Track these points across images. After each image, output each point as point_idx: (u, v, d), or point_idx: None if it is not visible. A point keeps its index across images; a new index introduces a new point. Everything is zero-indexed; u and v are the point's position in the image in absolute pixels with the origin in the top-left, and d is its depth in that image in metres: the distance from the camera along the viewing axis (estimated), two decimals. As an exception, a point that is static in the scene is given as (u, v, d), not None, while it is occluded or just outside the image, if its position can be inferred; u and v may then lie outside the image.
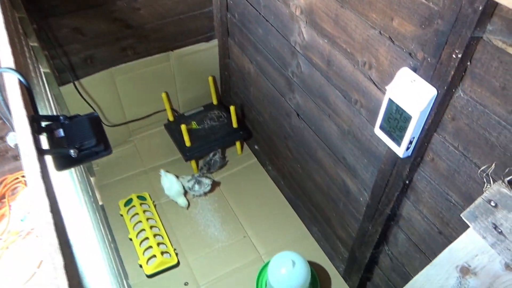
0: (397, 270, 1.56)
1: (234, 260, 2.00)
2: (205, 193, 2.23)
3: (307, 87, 1.67)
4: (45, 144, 0.85)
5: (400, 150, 1.15)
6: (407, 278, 1.51)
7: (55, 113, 1.80)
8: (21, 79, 0.82)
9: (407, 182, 1.27)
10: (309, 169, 1.92)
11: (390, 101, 1.11)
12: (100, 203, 2.21)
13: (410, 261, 1.46)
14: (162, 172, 2.23)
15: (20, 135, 0.67)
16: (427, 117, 1.06)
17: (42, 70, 1.75)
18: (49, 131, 0.85)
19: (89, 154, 0.85)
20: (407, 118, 1.08)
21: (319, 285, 1.88)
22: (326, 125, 1.64)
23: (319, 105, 1.63)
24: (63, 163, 0.83)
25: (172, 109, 2.45)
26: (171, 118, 2.42)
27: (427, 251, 1.35)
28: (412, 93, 1.04)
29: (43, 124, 0.87)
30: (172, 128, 2.38)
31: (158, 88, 2.32)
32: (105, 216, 2.13)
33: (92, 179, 2.31)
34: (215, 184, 2.29)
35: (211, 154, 2.30)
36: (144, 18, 2.03)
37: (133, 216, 2.10)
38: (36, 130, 0.76)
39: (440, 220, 1.23)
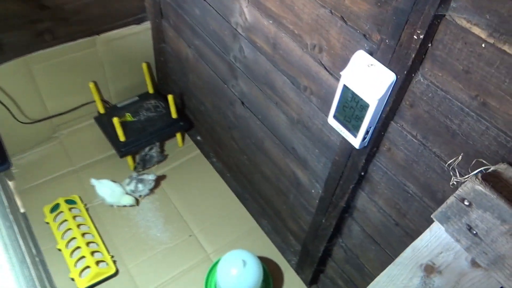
0: (351, 262, 1.51)
1: (180, 262, 1.85)
2: (151, 190, 2.03)
3: (251, 73, 1.53)
4: None
5: (357, 141, 1.06)
6: (361, 269, 1.47)
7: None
8: None
9: (362, 173, 1.19)
10: (257, 160, 1.81)
11: (345, 88, 1.01)
12: (22, 210, 1.94)
13: (364, 252, 1.41)
14: (94, 181, 1.95)
15: None
16: (385, 104, 0.97)
17: None
18: None
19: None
20: (364, 107, 0.98)
21: (271, 280, 1.79)
22: (273, 114, 1.52)
23: (266, 93, 1.50)
24: None
25: (103, 100, 2.20)
26: (101, 111, 2.18)
27: (383, 243, 1.29)
28: (369, 78, 0.95)
29: None
30: (104, 122, 2.14)
31: (85, 77, 2.06)
32: (28, 225, 1.87)
33: (10, 183, 2.02)
34: (156, 182, 2.11)
35: (146, 149, 2.10)
36: (62, -3, 1.76)
37: (61, 223, 1.86)
38: None
39: (396, 212, 1.17)
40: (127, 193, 1.97)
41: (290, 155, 1.54)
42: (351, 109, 1.02)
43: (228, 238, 1.95)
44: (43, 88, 1.96)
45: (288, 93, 1.38)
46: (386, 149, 1.09)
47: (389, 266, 0.96)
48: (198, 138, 2.34)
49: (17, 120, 1.87)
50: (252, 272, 1.60)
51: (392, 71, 0.92)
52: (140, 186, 1.97)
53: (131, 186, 1.96)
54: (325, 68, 1.16)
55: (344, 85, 1.01)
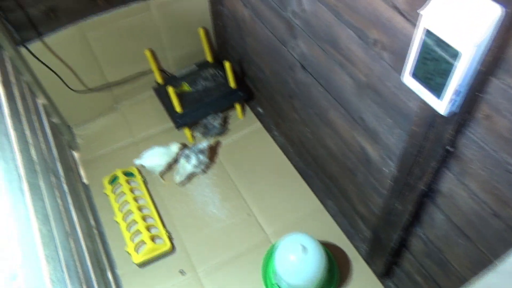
0: (432, 256, 1.24)
1: (237, 242, 1.72)
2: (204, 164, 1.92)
3: (311, 29, 1.30)
4: None
5: (442, 105, 0.79)
6: (445, 265, 1.20)
7: (13, 79, 1.51)
8: None
9: (449, 148, 0.92)
10: (320, 133, 1.58)
11: (428, 33, 0.75)
12: (85, 181, 1.95)
13: (449, 246, 1.14)
14: (137, 160, 1.85)
15: None
16: (485, 52, 0.70)
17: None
18: None
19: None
20: (453, 57, 0.72)
21: (337, 270, 1.59)
22: (337, 78, 1.28)
23: (328, 52, 1.26)
24: None
25: (161, 70, 2.11)
26: (159, 81, 2.09)
27: (475, 237, 1.02)
28: (462, 17, 0.68)
29: None
30: (162, 92, 2.06)
31: (142, 44, 1.98)
32: (89, 196, 1.87)
33: (75, 154, 2.04)
34: (213, 155, 1.99)
35: (209, 118, 1.97)
36: (113, -43, 1.66)
37: (119, 195, 1.83)
38: None
39: (495, 199, 0.89)
40: (192, 170, 1.86)
41: (358, 127, 1.29)
42: (435, 61, 0.76)
43: (289, 219, 1.77)
44: (100, 56, 1.91)
45: (354, 51, 1.13)
46: (484, 116, 0.81)
47: (489, 274, 0.71)
48: (259, 109, 2.16)
49: (70, 88, 1.85)
50: (314, 259, 1.42)
51: (498, 2, 0.64)
52: (201, 156, 1.85)
53: (193, 161, 1.84)
54: (400, 12, 0.90)
55: (426, 30, 0.75)
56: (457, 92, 0.76)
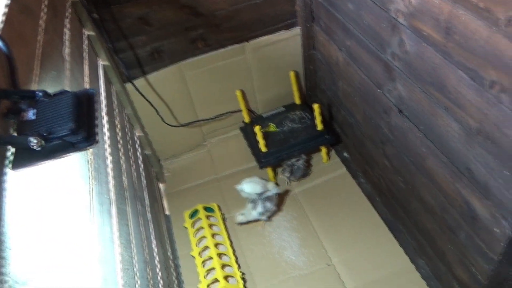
0: None
1: (314, 294, 1.60)
2: (277, 206, 1.87)
3: (413, 71, 1.22)
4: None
5: None
6: None
7: (117, 111, 1.62)
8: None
9: None
10: (415, 183, 1.45)
11: None
12: (167, 212, 2.00)
13: None
14: (239, 186, 1.89)
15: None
16: None
17: (101, 62, 1.58)
18: (16, 111, 0.58)
19: (62, 146, 0.56)
20: None
21: None
22: (441, 123, 1.17)
23: (431, 95, 1.17)
24: (23, 158, 0.54)
25: (249, 110, 2.15)
26: (247, 120, 2.13)
27: None
28: None
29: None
30: (248, 131, 2.08)
31: (233, 85, 2.05)
32: (169, 228, 1.89)
33: (161, 185, 2.12)
34: (293, 198, 1.92)
35: (293, 159, 1.94)
36: (215, 4, 1.77)
37: (198, 230, 1.83)
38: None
39: None
40: (257, 217, 1.82)
41: (463, 178, 1.15)
42: None
43: (374, 276, 1.62)
44: (194, 94, 2.01)
45: (464, 94, 1.03)
46: None
47: None
48: (346, 155, 2.08)
49: (165, 122, 1.94)
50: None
51: None
52: (268, 204, 1.80)
53: (259, 209, 1.80)
54: (529, 49, 0.80)
55: None
56: None
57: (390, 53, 1.32)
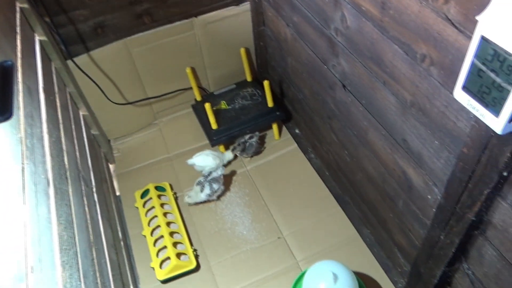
0: (480, 297, 1.12)
1: (265, 266, 1.65)
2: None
3: (354, 46, 1.25)
4: None
5: (499, 123, 0.71)
6: (496, 309, 1.07)
7: (57, 89, 1.55)
8: None
9: (505, 174, 0.83)
10: (359, 156, 1.51)
11: (483, 42, 0.68)
12: (118, 193, 1.96)
13: (501, 287, 1.02)
14: (190, 160, 1.91)
15: None
16: (552, 63, 0.62)
17: (37, 37, 1.50)
18: None
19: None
20: (514, 67, 0.64)
21: (371, 304, 1.47)
22: (380, 97, 1.22)
23: (371, 70, 1.21)
24: None
25: (200, 87, 2.13)
26: (198, 98, 2.10)
27: (533, 278, 0.90)
28: (526, 21, 0.61)
29: None
30: (199, 109, 2.06)
31: (183, 62, 2.01)
32: (120, 209, 1.86)
33: (110, 166, 2.07)
34: (245, 175, 1.94)
35: (247, 136, 1.94)
36: (161, -23, 1.71)
37: (149, 209, 1.81)
38: None
39: (559, 235, 0.78)
40: (205, 199, 1.83)
41: (400, 149, 1.21)
42: (492, 73, 0.69)
43: (322, 246, 1.68)
44: (142, 72, 1.95)
45: (399, 68, 1.07)
46: (548, 137, 0.72)
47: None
48: (296, 131, 2.11)
49: (110, 100, 1.88)
50: (345, 290, 1.31)
51: None
52: (214, 185, 1.81)
53: (207, 190, 1.80)
54: (452, 23, 0.83)
55: (482, 37, 0.68)
56: (517, 108, 0.68)
57: (334, 29, 1.34)
